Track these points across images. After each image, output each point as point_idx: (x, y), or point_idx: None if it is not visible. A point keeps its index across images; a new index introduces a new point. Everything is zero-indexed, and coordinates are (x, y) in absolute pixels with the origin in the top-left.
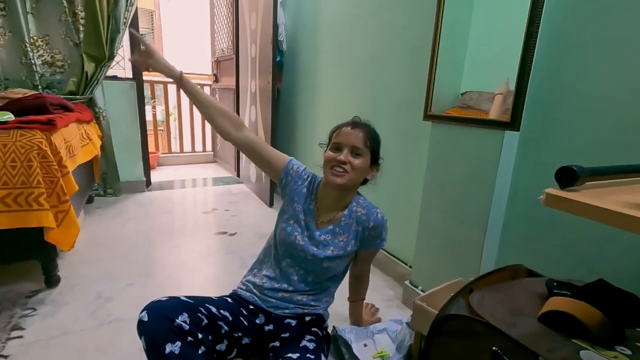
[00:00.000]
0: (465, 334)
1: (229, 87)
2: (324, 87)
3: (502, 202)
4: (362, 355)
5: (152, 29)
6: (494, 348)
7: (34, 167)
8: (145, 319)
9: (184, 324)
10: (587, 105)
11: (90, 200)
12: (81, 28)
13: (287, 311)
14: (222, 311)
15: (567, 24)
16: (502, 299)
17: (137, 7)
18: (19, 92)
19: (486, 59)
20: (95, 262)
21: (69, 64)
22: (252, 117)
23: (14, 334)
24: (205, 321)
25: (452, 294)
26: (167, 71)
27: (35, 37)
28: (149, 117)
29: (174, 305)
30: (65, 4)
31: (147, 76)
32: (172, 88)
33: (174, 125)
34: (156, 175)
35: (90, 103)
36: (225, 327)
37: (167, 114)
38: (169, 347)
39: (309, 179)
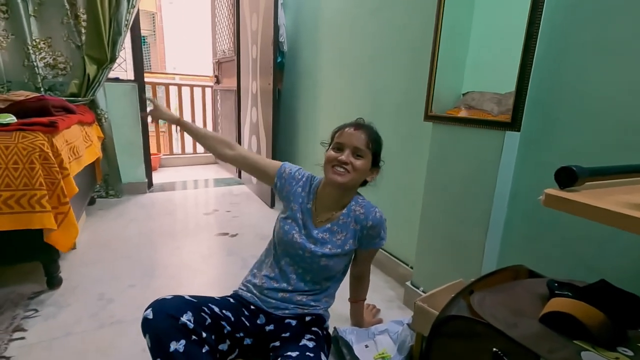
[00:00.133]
0: (466, 335)
1: (230, 89)
2: (325, 87)
3: (503, 203)
4: (363, 357)
5: (154, 31)
6: (494, 349)
7: (36, 169)
8: (150, 316)
9: (188, 323)
10: (588, 106)
11: (92, 202)
12: (83, 30)
13: (287, 311)
14: (224, 311)
15: (567, 24)
16: (503, 299)
17: (138, 9)
18: (21, 95)
19: (487, 59)
20: (97, 264)
21: (71, 66)
22: (254, 118)
23: (16, 335)
24: (209, 320)
25: (453, 295)
26: (169, 118)
27: (37, 40)
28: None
29: (178, 303)
30: (67, 7)
31: (148, 78)
32: (173, 89)
33: (175, 126)
34: (158, 177)
35: (92, 105)
36: (228, 327)
37: None
38: (173, 345)
39: (303, 179)
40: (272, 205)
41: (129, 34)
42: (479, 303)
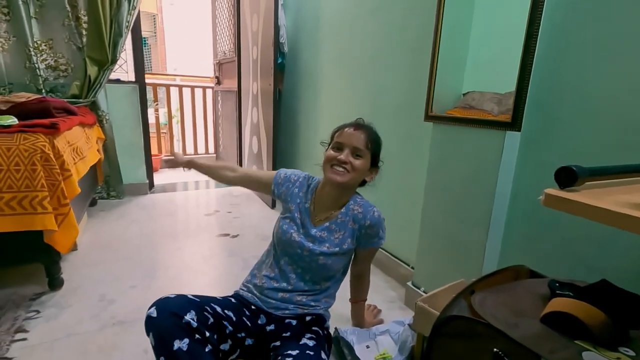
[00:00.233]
0: (466, 335)
1: (231, 90)
2: (325, 88)
3: (504, 203)
4: (365, 357)
5: (155, 32)
6: (495, 349)
7: (38, 171)
8: (154, 314)
9: (192, 321)
10: (588, 105)
11: (93, 203)
12: (84, 32)
13: (287, 312)
14: (226, 311)
15: (567, 23)
16: (504, 300)
17: (139, 11)
18: (22, 96)
19: (487, 59)
20: (99, 265)
21: (72, 68)
22: (254, 119)
23: (18, 336)
24: (211, 320)
25: (454, 295)
26: (184, 164)
27: (39, 42)
28: (151, 119)
29: (182, 302)
30: (69, 9)
31: (149, 79)
32: (174, 91)
33: (176, 127)
34: (159, 178)
35: (94, 106)
36: (230, 327)
37: (170, 117)
38: (177, 344)
39: (300, 180)
40: (273, 206)
41: (129, 36)
42: (479, 303)
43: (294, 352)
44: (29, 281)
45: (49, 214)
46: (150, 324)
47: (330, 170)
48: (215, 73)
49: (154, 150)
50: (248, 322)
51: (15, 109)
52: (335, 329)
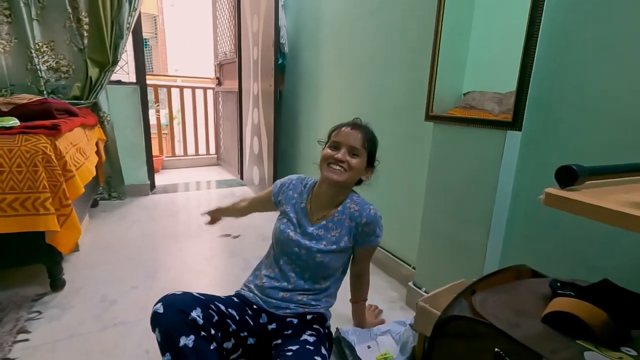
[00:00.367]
0: (468, 335)
1: (231, 90)
2: (326, 88)
3: (505, 202)
4: (366, 357)
5: (156, 34)
6: (496, 349)
7: (40, 172)
8: (161, 310)
9: (198, 318)
10: (589, 105)
11: (95, 204)
12: (85, 34)
13: (288, 311)
14: (230, 310)
15: (567, 23)
16: (506, 299)
17: (140, 12)
18: (24, 98)
19: (488, 59)
20: (100, 265)
21: (74, 70)
22: (255, 120)
23: (20, 337)
24: (216, 317)
25: (455, 295)
26: (217, 217)
27: (40, 44)
28: (152, 120)
29: (188, 299)
30: (70, 10)
31: (150, 80)
32: (175, 91)
33: (177, 128)
34: (160, 179)
35: (95, 107)
36: (233, 326)
37: (171, 118)
38: (183, 340)
39: (293, 182)
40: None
41: (130, 37)
42: (481, 303)
43: (294, 347)
44: (31, 282)
45: (51, 215)
46: (157, 320)
47: (327, 169)
48: (216, 74)
49: (155, 151)
50: (250, 321)
51: (17, 111)
52: (337, 329)
